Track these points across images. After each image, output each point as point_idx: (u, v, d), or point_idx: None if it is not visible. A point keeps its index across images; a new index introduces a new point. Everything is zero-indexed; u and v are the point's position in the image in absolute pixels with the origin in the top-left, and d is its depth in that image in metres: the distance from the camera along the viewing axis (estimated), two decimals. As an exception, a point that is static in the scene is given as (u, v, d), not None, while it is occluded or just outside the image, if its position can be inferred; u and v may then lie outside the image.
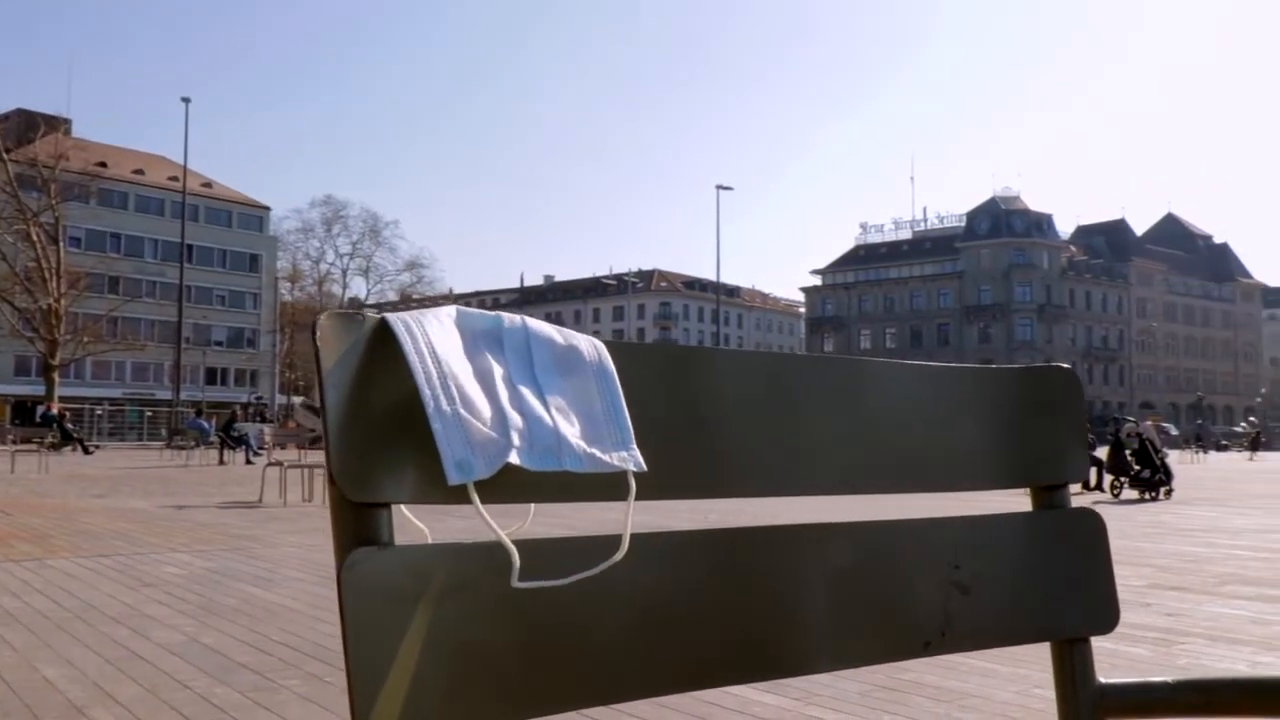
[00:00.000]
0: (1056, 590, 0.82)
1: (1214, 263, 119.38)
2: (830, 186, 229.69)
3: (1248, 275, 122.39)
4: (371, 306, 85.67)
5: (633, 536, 0.63)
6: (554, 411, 0.60)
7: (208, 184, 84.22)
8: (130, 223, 79.36)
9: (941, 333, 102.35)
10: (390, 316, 0.60)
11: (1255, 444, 47.64)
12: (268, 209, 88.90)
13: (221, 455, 26.34)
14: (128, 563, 6.98)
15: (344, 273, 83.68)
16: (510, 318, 0.64)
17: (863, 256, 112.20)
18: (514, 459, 0.58)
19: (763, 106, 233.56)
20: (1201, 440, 47.04)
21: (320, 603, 5.43)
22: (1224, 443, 61.38)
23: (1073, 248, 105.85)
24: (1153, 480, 15.79)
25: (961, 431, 0.83)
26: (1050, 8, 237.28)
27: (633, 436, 0.62)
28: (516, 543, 0.57)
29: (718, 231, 60.34)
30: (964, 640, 0.77)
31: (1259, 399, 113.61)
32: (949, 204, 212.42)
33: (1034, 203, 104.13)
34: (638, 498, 0.61)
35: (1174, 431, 55.62)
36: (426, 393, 0.57)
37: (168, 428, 41.32)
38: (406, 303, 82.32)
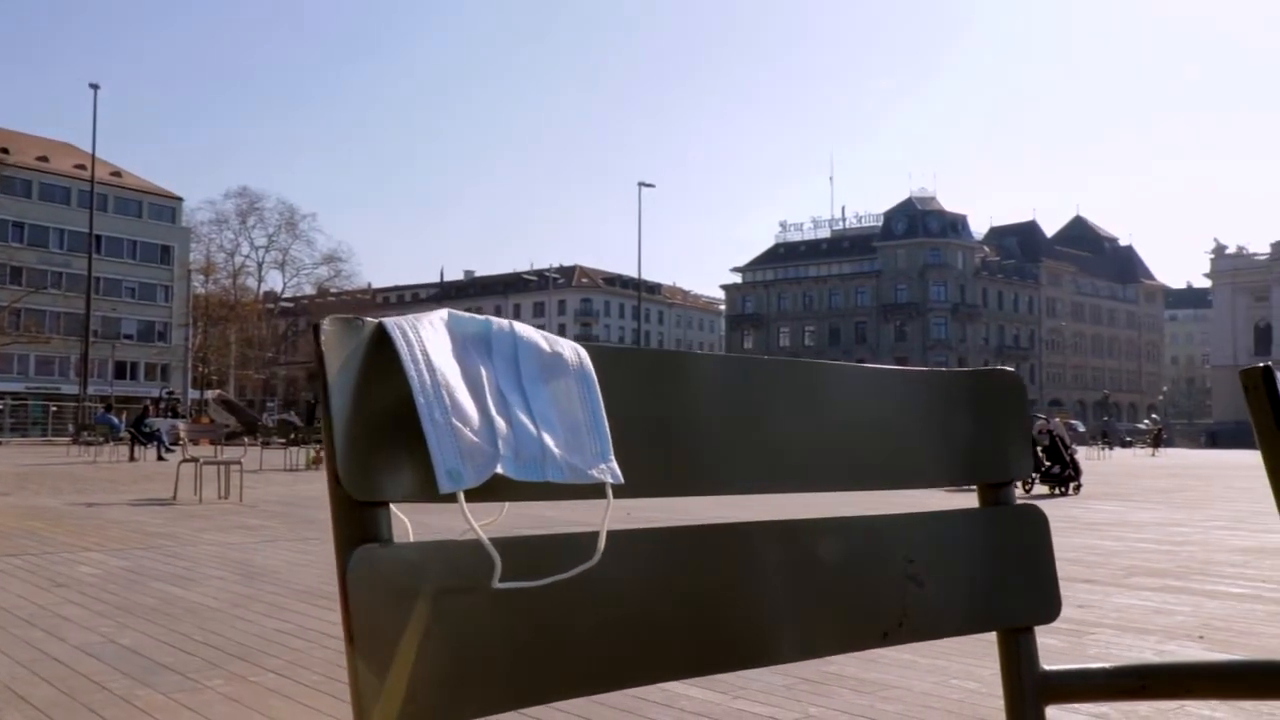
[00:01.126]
0: (1003, 582, 0.87)
1: (1120, 265, 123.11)
2: (751, 185, 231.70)
3: (1151, 277, 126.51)
4: (288, 300, 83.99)
5: (608, 535, 0.66)
6: (539, 421, 0.63)
7: (117, 173, 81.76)
8: (34, 211, 76.76)
9: (859, 331, 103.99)
10: (387, 322, 0.61)
11: (1157, 441, 49.40)
12: (180, 200, 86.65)
13: (132, 451, 25.69)
14: (38, 562, 6.78)
15: (260, 265, 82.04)
16: (499, 323, 0.65)
17: (782, 255, 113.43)
18: (500, 469, 0.61)
19: (685, 105, 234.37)
20: (1107, 437, 48.58)
21: (241, 601, 5.35)
22: (1128, 439, 63.39)
23: (986, 248, 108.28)
24: (1062, 476, 16.29)
25: (914, 432, 0.87)
26: (966, 14, 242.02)
27: (611, 448, 0.65)
28: (500, 541, 0.59)
29: (639, 228, 60.38)
30: (920, 630, 0.81)
31: (1160, 397, 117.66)
32: (867, 204, 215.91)
33: (949, 204, 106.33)
34: (615, 497, 0.64)
35: (1081, 428, 57.27)
36: (421, 401, 0.59)
37: (75, 423, 40.10)
38: (324, 296, 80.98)
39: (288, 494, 13.71)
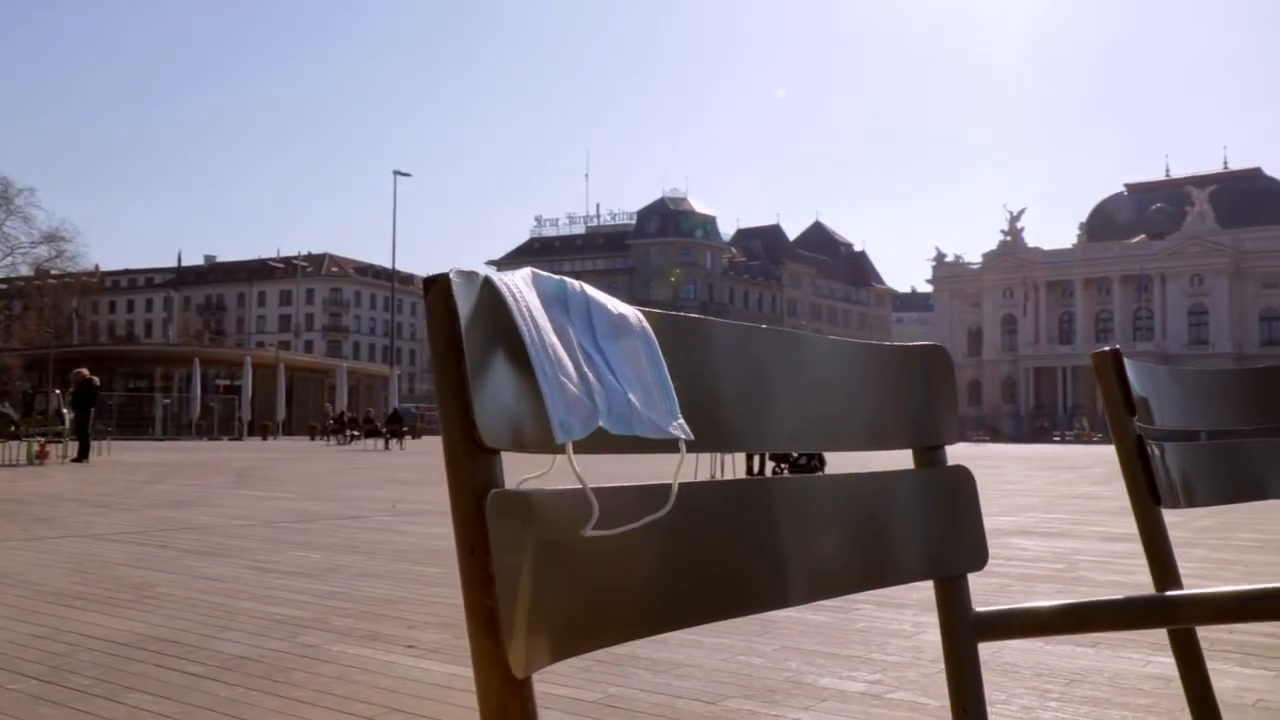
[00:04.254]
0: (941, 535, 0.97)
1: (853, 269, 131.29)
2: (507, 179, 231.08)
3: (881, 282, 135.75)
4: (2, 282, 76.53)
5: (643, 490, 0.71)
6: (620, 379, 0.66)
7: None
8: None
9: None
10: (494, 277, 0.63)
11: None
12: None
13: None
14: None
15: (-34, 243, 74.36)
16: (572, 283, 0.68)
17: (537, 249, 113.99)
18: (600, 423, 0.64)
19: (441, 95, 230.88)
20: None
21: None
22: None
23: (733, 249, 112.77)
24: (809, 466, 17.32)
25: (866, 398, 0.96)
26: (720, 28, 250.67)
27: (678, 405, 0.70)
28: (595, 491, 0.62)
29: (394, 218, 58.91)
30: (884, 578, 0.90)
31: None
32: (622, 202, 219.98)
33: (700, 205, 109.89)
34: (687, 452, 0.69)
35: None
36: (534, 355, 0.62)
37: None
38: (43, 278, 74.40)
39: (11, 491, 12.60)
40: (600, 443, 0.63)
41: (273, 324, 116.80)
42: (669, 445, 0.69)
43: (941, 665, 3.30)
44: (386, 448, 35.08)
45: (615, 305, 0.70)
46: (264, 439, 45.78)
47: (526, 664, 0.58)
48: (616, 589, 0.68)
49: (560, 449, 0.61)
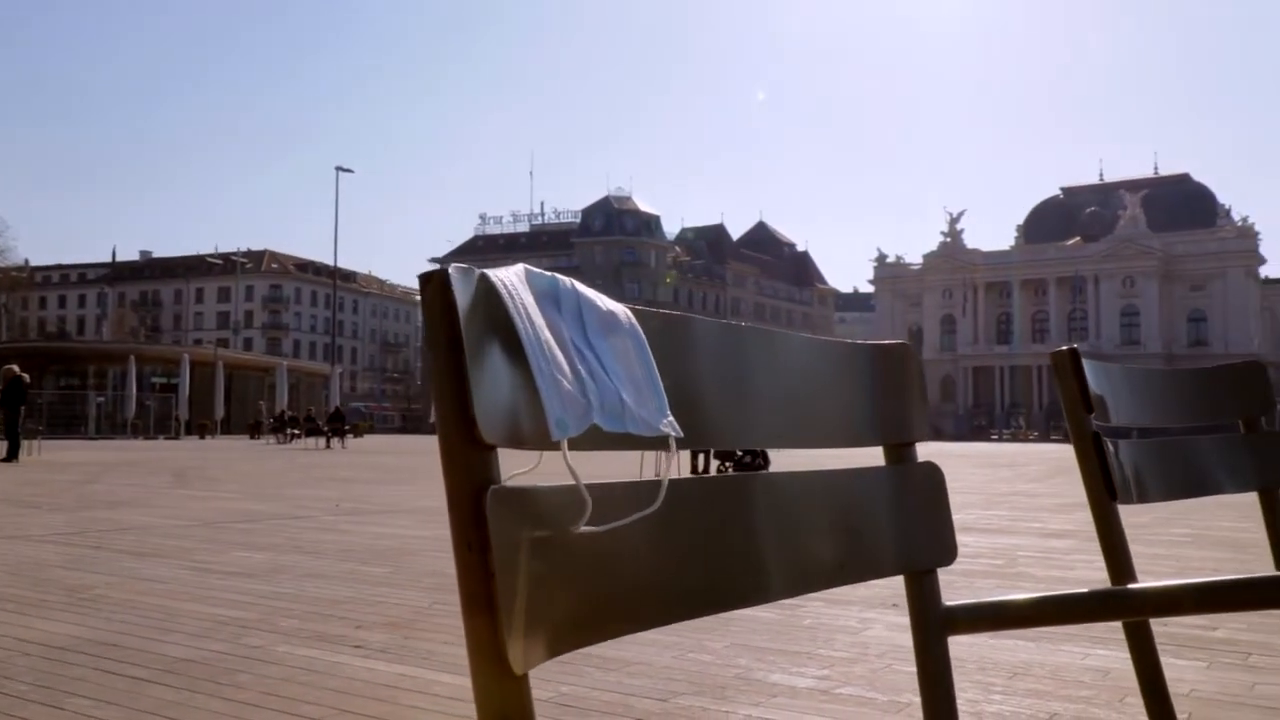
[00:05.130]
0: (912, 530, 0.99)
1: (797, 268, 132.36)
2: (451, 176, 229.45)
3: (824, 282, 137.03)
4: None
5: (625, 486, 0.71)
6: (612, 376, 0.66)
7: None
8: None
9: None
10: (489, 273, 0.63)
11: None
12: None
13: None
14: None
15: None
16: (563, 279, 0.68)
17: (481, 247, 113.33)
18: (594, 419, 0.64)
19: (385, 91, 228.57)
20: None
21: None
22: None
23: (678, 248, 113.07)
24: (753, 464, 17.47)
25: (841, 396, 0.97)
26: (666, 29, 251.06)
27: (667, 403, 0.70)
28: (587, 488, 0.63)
29: (336, 214, 58.39)
30: (859, 573, 0.91)
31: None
32: (566, 201, 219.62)
33: (644, 204, 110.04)
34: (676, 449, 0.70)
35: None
36: (530, 351, 0.62)
37: None
38: (-30, 274, 72.44)
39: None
40: (592, 439, 0.64)
41: (211, 321, 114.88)
42: (659, 442, 0.69)
43: (888, 660, 3.34)
44: (328, 446, 34.67)
45: (605, 302, 0.70)
46: (202, 438, 45.01)
47: (525, 660, 0.58)
48: (611, 584, 0.68)
49: (556, 446, 0.61)
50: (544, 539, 0.61)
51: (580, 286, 0.69)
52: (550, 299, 0.66)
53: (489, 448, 0.58)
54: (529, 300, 0.64)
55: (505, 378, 0.61)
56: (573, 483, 0.62)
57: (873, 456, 1.03)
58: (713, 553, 0.77)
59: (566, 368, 0.63)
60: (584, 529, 0.62)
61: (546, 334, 0.63)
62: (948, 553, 1.01)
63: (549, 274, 0.68)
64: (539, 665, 0.59)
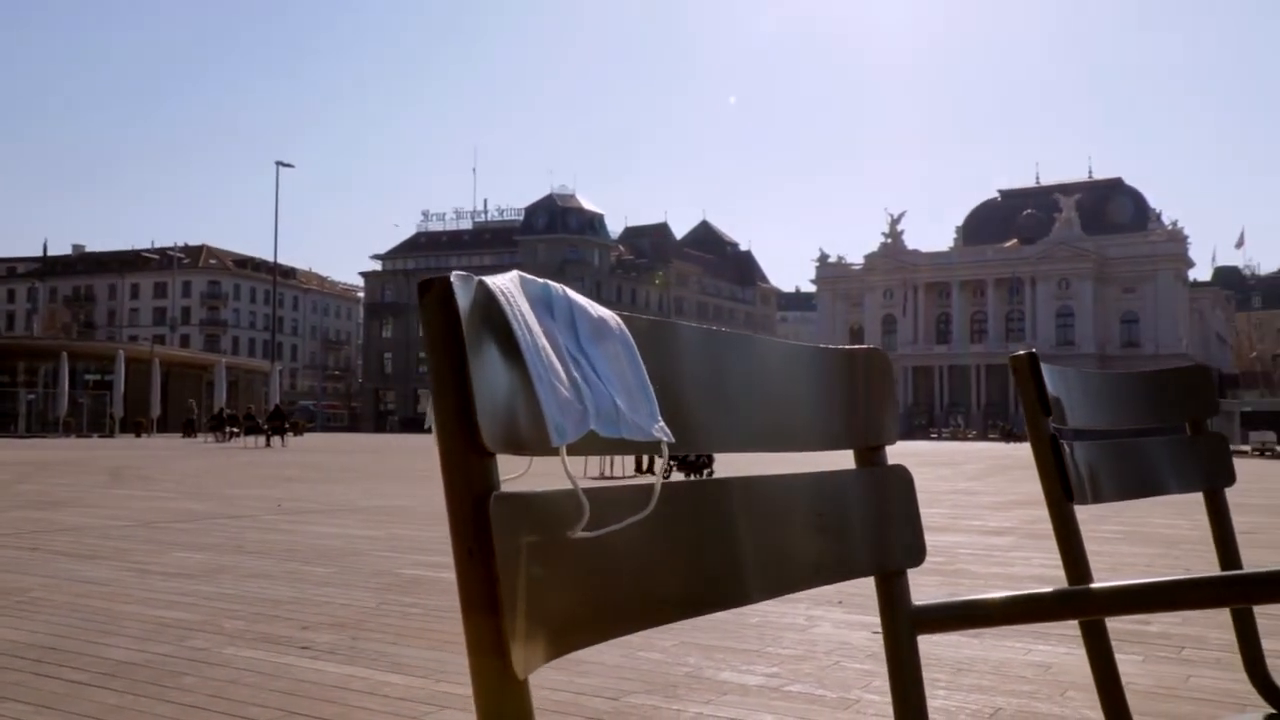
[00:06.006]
0: (883, 531, 1.00)
1: (739, 268, 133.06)
2: (393, 173, 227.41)
3: (766, 281, 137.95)
4: None
5: (614, 489, 0.72)
6: (605, 382, 0.67)
7: None
8: None
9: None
10: (487, 280, 0.63)
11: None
12: None
13: None
14: None
15: None
16: (554, 285, 0.69)
17: (424, 244, 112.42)
18: (591, 425, 0.65)
19: (326, 86, 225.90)
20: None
21: None
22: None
23: (621, 247, 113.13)
24: (698, 464, 17.60)
25: (816, 400, 0.99)
26: (609, 28, 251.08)
27: (658, 408, 0.71)
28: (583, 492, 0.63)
29: (276, 210, 57.31)
30: (833, 574, 0.93)
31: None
32: (510, 199, 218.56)
33: (588, 203, 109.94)
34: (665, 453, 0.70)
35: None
36: (529, 358, 0.62)
37: None
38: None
39: None
40: (588, 445, 0.64)
41: (147, 317, 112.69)
42: (650, 446, 0.70)
43: (836, 658, 3.38)
44: (268, 445, 34.19)
45: (595, 308, 0.71)
46: (138, 436, 44.13)
47: (527, 663, 0.58)
48: (608, 586, 0.69)
49: (555, 451, 0.62)
50: (544, 544, 0.62)
51: (571, 293, 0.70)
52: (544, 305, 0.67)
53: (490, 454, 0.59)
54: (525, 307, 0.64)
55: (504, 384, 0.61)
56: (569, 487, 0.63)
57: (842, 459, 1.05)
58: (702, 555, 0.78)
59: (563, 374, 0.64)
60: (580, 534, 0.63)
61: (543, 341, 0.64)
62: (918, 553, 1.03)
63: (541, 280, 0.68)
64: (537, 668, 0.60)
